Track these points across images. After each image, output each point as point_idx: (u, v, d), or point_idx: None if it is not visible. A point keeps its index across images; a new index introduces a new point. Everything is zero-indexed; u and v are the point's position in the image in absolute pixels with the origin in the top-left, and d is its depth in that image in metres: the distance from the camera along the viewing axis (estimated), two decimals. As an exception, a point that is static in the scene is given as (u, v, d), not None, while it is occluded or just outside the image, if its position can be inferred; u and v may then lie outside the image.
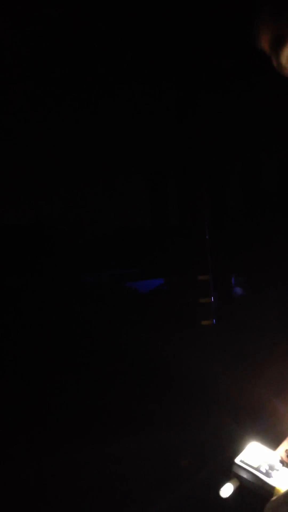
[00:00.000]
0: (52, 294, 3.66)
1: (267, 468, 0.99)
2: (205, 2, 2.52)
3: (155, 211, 3.93)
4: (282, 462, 1.02)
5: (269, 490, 0.95)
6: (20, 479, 2.46)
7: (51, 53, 2.90)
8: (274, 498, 0.93)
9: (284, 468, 0.99)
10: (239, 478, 0.98)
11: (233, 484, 0.97)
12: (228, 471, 0.98)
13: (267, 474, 0.98)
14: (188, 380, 3.07)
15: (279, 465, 1.00)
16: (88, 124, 3.52)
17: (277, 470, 0.98)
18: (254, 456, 1.01)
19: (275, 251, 3.66)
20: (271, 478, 0.97)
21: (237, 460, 1.00)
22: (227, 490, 0.95)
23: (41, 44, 2.79)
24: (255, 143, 3.78)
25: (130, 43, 2.88)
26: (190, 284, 3.70)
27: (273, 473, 0.98)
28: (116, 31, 2.75)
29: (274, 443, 1.06)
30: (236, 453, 1.02)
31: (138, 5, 2.53)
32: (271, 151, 3.81)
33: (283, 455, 1.04)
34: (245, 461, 1.00)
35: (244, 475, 0.98)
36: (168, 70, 3.19)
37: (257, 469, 0.98)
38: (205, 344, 3.41)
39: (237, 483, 0.97)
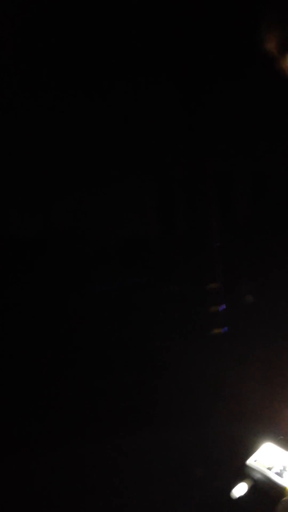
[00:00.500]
0: (60, 306, 3.67)
1: (280, 469, 0.98)
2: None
3: (163, 219, 3.93)
4: None
5: (281, 491, 0.94)
6: (17, 482, 2.45)
7: (50, 51, 2.91)
8: (285, 498, 0.92)
9: None
10: (252, 478, 0.97)
11: (246, 484, 0.96)
12: (241, 471, 0.98)
13: (280, 474, 0.97)
14: (199, 388, 3.06)
15: None
16: (91, 133, 3.55)
17: None
18: (267, 457, 1.00)
19: (286, 258, 3.64)
20: (284, 478, 0.96)
21: (250, 461, 0.99)
22: (240, 490, 0.94)
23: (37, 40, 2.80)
24: (263, 148, 3.78)
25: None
26: (200, 292, 3.69)
27: (285, 474, 0.97)
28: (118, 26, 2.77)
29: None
30: (249, 454, 1.01)
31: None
32: (279, 156, 3.80)
33: None
34: (258, 462, 0.99)
35: (257, 475, 0.97)
36: (173, 75, 3.21)
37: (270, 469, 0.98)
38: (216, 352, 3.39)
39: (250, 483, 0.96)
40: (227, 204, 3.85)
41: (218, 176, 3.76)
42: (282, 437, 1.10)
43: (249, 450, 1.04)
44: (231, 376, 3.07)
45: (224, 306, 3.71)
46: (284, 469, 0.99)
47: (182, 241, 3.84)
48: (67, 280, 3.67)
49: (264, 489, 0.95)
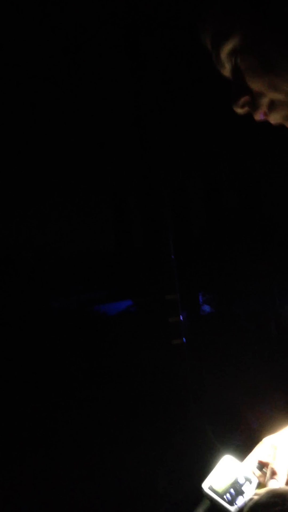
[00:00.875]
0: (20, 322, 3.62)
1: (232, 494, 0.97)
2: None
3: (119, 233, 3.94)
4: (252, 478, 1.00)
5: None
6: None
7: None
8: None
9: (252, 487, 0.98)
10: (208, 500, 0.98)
11: (203, 506, 0.97)
12: (200, 492, 0.98)
13: (232, 500, 0.96)
14: (160, 399, 3.07)
15: (246, 487, 0.98)
16: (49, 149, 3.53)
17: (243, 493, 0.97)
18: (222, 476, 1.00)
19: (240, 267, 3.71)
20: (235, 506, 0.95)
21: (204, 484, 0.98)
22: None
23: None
24: (216, 161, 3.85)
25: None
26: (158, 304, 3.71)
27: (237, 499, 0.96)
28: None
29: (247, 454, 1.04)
30: (210, 470, 1.01)
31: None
32: (232, 169, 3.88)
33: (255, 470, 1.01)
34: (212, 485, 0.98)
35: (211, 499, 0.97)
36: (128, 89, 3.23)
37: (222, 495, 0.97)
38: (177, 363, 3.41)
39: (207, 505, 0.97)
40: (181, 217, 3.90)
41: (173, 189, 3.80)
42: (239, 444, 1.10)
43: (210, 465, 1.03)
44: (192, 386, 3.09)
45: (182, 316, 3.75)
46: (237, 492, 0.98)
47: (139, 254, 3.85)
48: (26, 298, 3.62)
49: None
